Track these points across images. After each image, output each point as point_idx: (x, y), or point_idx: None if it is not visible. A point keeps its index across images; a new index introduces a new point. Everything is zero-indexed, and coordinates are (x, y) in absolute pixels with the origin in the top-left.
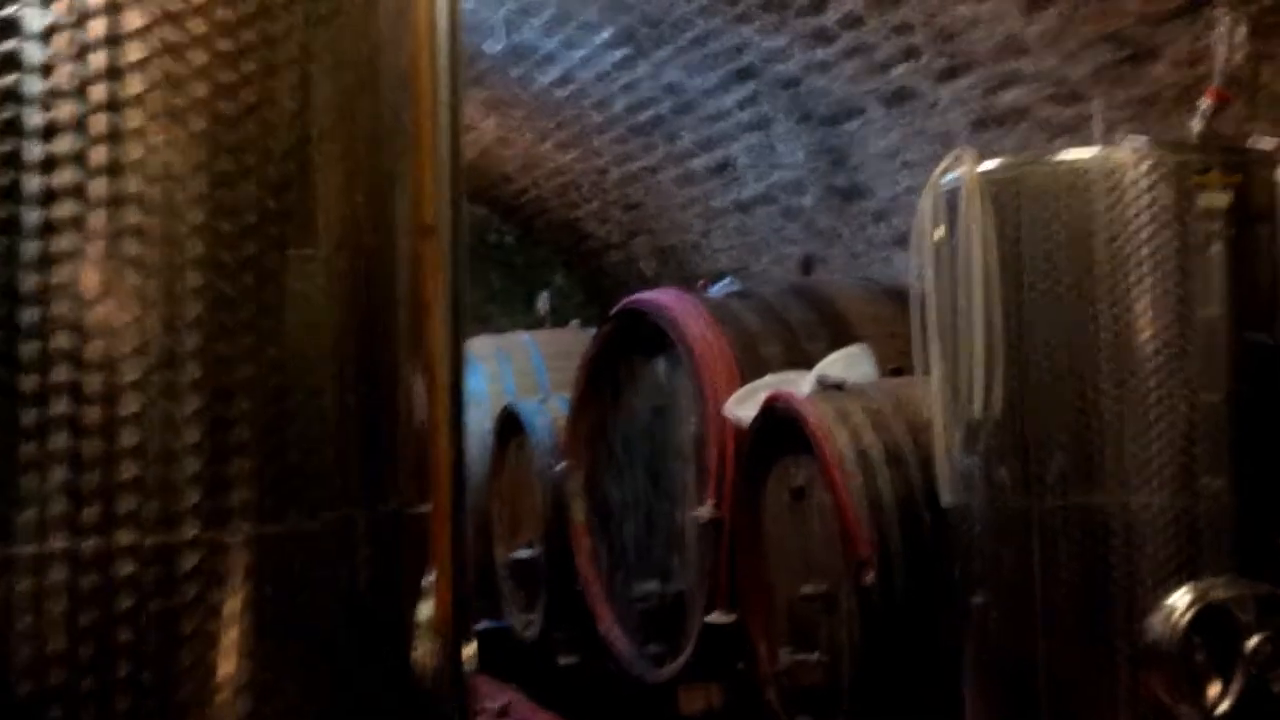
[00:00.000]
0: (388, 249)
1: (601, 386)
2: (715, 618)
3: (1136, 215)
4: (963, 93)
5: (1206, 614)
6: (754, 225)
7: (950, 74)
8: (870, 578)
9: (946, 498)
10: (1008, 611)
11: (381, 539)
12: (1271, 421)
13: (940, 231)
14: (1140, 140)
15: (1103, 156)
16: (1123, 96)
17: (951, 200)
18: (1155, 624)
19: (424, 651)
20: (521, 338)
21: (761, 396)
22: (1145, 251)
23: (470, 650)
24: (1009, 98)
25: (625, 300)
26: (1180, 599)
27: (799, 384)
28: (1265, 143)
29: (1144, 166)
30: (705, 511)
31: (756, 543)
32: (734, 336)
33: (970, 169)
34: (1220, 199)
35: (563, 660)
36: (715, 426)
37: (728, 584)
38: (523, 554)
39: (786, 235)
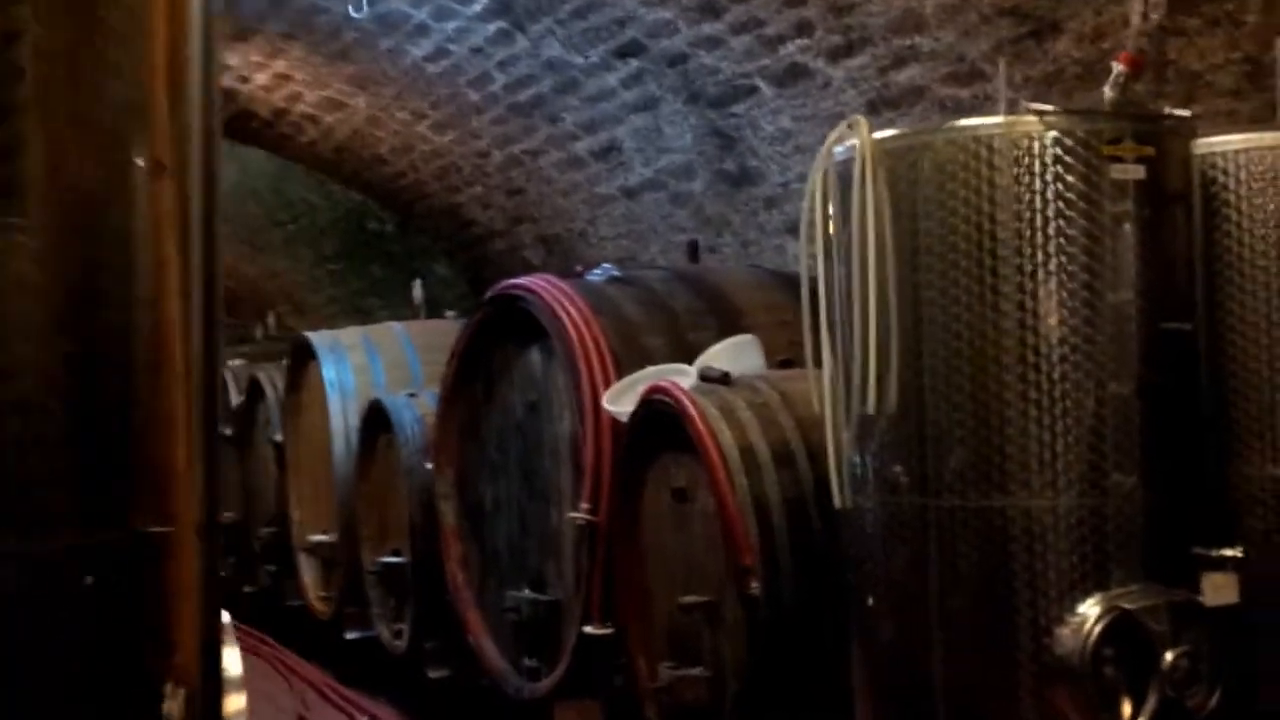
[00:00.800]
0: (112, 197)
1: (473, 379)
2: (591, 630)
3: (1043, 190)
4: (857, 71)
5: (1118, 626)
6: (641, 212)
7: (845, 51)
8: (755, 587)
9: (839, 499)
10: (902, 623)
11: (109, 568)
12: (1188, 415)
13: (831, 209)
14: (1048, 108)
15: (1007, 125)
16: (1024, 74)
17: (844, 174)
18: (1063, 637)
19: (172, 707)
20: (393, 328)
21: (641, 390)
22: (1052, 230)
23: (237, 704)
24: (906, 76)
25: (498, 285)
26: (1089, 609)
27: (682, 377)
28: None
29: (1051, 136)
30: (580, 514)
31: (635, 548)
32: (613, 325)
33: (864, 139)
34: (1133, 171)
35: (433, 673)
36: (591, 422)
37: (604, 593)
38: (391, 559)
39: (675, 223)
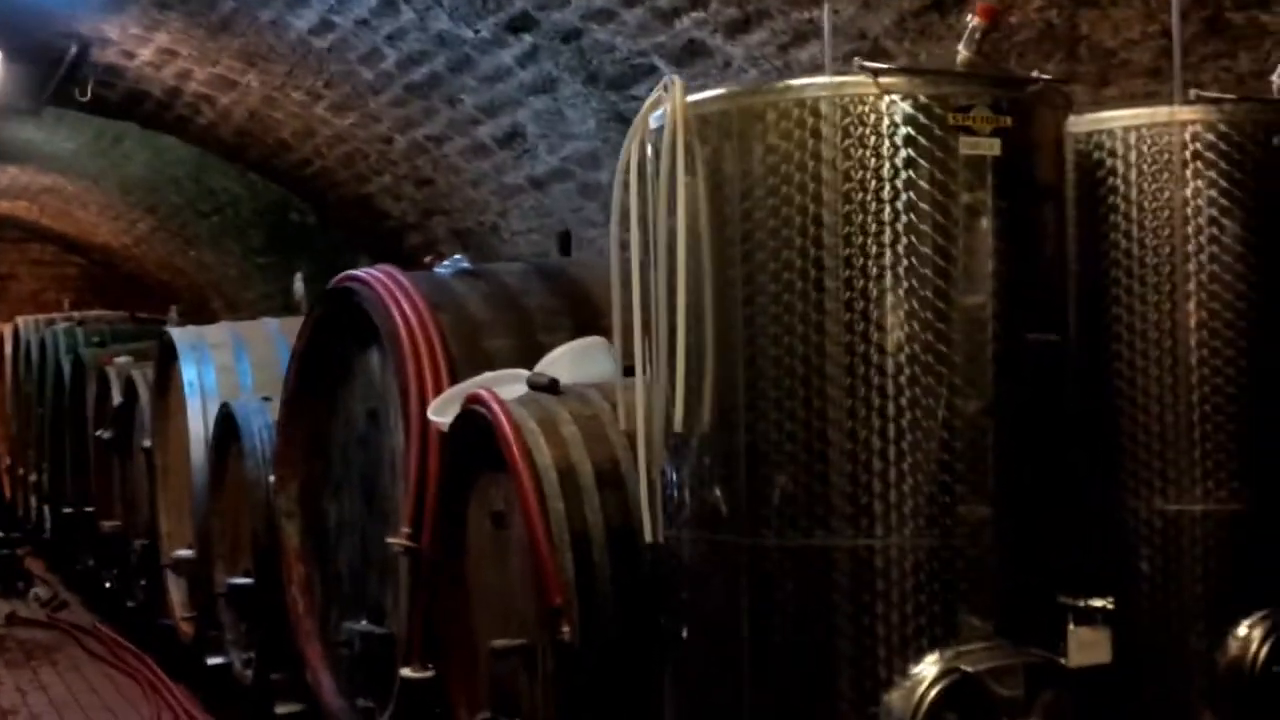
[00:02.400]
0: None
1: (317, 383)
2: (409, 672)
3: (878, 166)
4: (757, 49)
5: (958, 690)
6: (551, 205)
7: (743, 25)
8: (566, 631)
9: (649, 531)
10: (712, 680)
11: None
12: (1054, 439)
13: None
14: (884, 66)
15: (836, 86)
16: (930, 50)
17: (659, 145)
18: (891, 702)
19: None
20: (266, 324)
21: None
22: (887, 214)
23: None
24: (808, 54)
25: (338, 277)
26: (925, 670)
27: (514, 384)
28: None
29: (889, 100)
30: (399, 540)
31: (458, 580)
32: (452, 325)
33: (675, 103)
34: (986, 145)
35: (280, 709)
36: (417, 434)
37: (424, 631)
38: (240, 580)
39: (586, 216)
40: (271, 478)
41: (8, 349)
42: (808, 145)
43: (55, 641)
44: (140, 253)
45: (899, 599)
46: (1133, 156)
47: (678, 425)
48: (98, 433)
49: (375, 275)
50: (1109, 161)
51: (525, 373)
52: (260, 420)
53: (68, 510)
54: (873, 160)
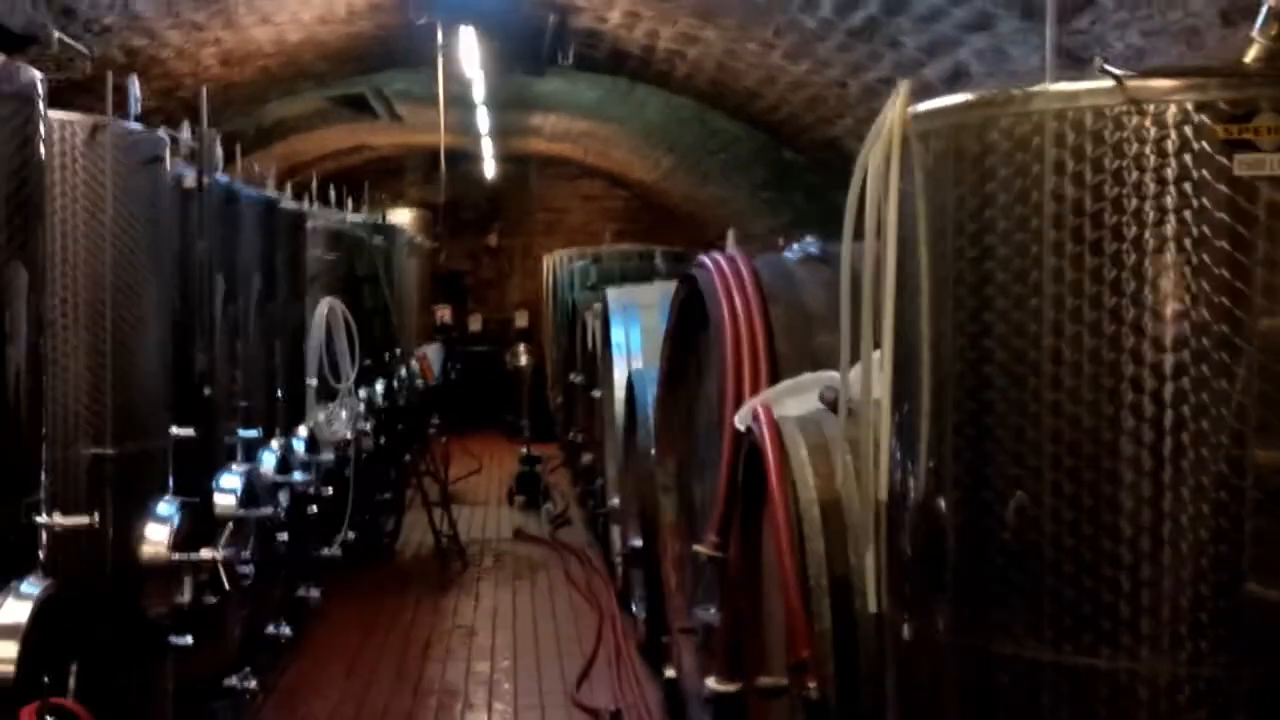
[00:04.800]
0: None
1: (684, 363)
2: (713, 683)
3: (1125, 195)
4: None
5: None
6: None
7: None
8: (812, 689)
9: (872, 601)
10: None
11: None
12: None
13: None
14: (1135, 73)
15: (1068, 97)
16: None
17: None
18: None
19: None
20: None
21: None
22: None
23: None
24: None
25: (696, 259)
26: None
27: (813, 394)
28: None
29: (1138, 111)
30: (704, 548)
31: (754, 596)
32: (783, 318)
33: (896, 114)
34: (1274, 164)
35: (667, 672)
36: (730, 439)
37: (730, 646)
38: (635, 544)
39: None
40: (653, 452)
41: (547, 281)
42: (1031, 171)
43: (546, 559)
44: (667, 187)
45: None
46: None
47: (916, 494)
48: (570, 376)
49: (715, 262)
50: None
51: (835, 376)
52: (654, 391)
53: (570, 436)
54: (1119, 187)
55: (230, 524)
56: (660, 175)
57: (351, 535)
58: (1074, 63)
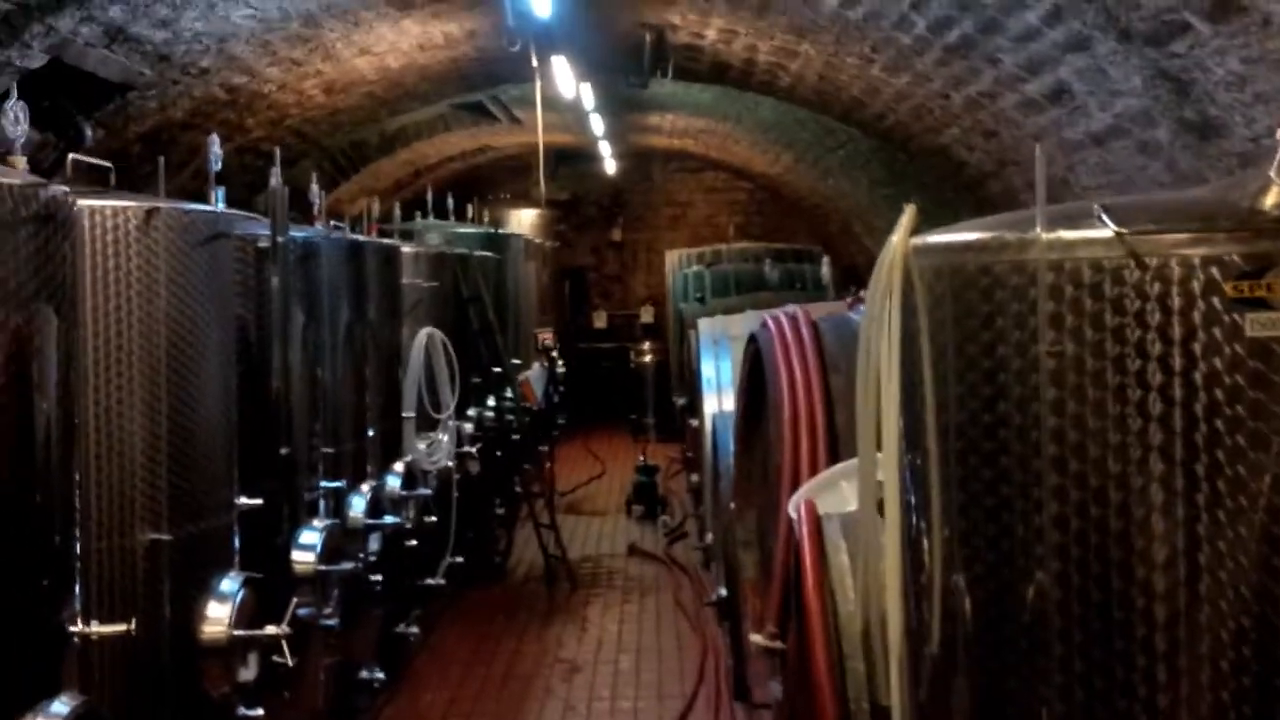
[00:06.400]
0: None
1: (758, 417)
2: None
3: (1127, 356)
4: None
5: None
6: (1115, 162)
7: None
8: None
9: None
10: None
11: None
12: None
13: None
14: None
15: (1065, 247)
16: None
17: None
18: None
19: None
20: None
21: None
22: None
23: None
24: None
25: (765, 317)
26: None
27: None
28: None
29: (1137, 266)
30: (763, 639)
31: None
32: (845, 387)
33: (898, 241)
34: None
35: None
36: (785, 523)
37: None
38: (720, 593)
39: (1151, 175)
40: (732, 505)
41: (667, 282)
42: (1028, 325)
43: (658, 579)
44: (790, 180)
45: None
46: None
47: (933, 645)
48: (674, 398)
49: (775, 324)
50: None
51: None
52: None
53: (685, 450)
54: (1120, 346)
55: (309, 584)
56: (781, 169)
57: (458, 559)
58: (1175, 85)
